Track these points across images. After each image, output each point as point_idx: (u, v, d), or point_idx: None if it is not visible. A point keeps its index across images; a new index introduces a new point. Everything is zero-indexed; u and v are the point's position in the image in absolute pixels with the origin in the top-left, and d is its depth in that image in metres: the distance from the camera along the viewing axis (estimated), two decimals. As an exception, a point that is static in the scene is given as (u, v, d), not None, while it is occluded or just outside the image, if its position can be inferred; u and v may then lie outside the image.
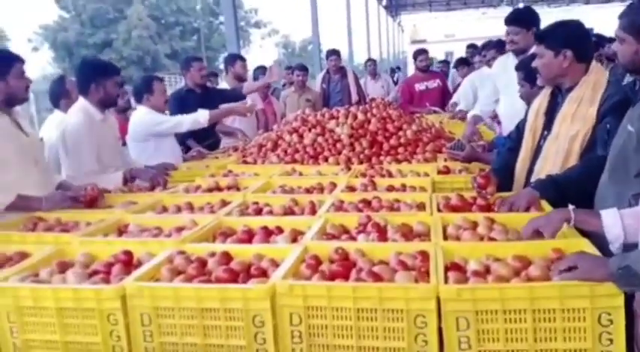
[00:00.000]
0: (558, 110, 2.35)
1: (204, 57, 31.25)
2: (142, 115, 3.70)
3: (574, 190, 2.11)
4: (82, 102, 3.02)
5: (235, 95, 4.78)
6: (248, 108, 4.07)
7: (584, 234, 1.74)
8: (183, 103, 4.25)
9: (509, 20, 3.48)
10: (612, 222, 1.64)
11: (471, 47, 7.40)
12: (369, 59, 9.36)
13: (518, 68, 3.05)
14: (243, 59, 5.31)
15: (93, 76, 2.99)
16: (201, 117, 3.75)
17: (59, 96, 3.62)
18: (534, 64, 2.39)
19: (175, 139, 3.90)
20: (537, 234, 1.74)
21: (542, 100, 2.49)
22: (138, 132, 3.68)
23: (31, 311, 1.60)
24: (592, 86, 2.26)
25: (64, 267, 1.77)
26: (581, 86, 2.28)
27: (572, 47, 2.28)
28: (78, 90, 3.08)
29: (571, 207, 1.78)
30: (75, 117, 2.96)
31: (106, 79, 2.99)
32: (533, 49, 2.46)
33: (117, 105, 3.31)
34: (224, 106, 4.24)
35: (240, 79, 5.14)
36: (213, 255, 1.79)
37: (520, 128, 2.65)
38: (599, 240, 1.67)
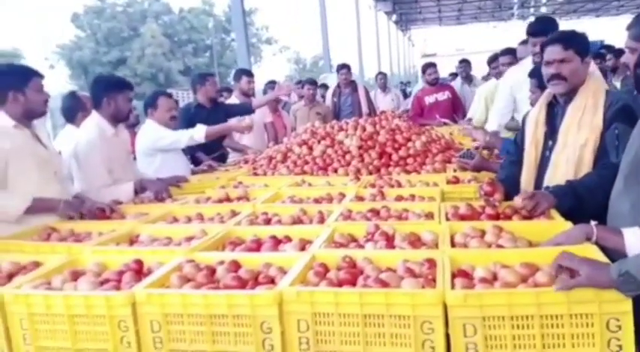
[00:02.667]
0: (559, 120, 2.35)
1: (217, 73, 31.73)
2: (147, 130, 3.76)
3: (591, 198, 2.09)
4: (94, 117, 3.07)
5: (244, 109, 4.84)
6: (246, 127, 4.04)
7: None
8: (191, 119, 4.29)
9: (536, 32, 3.36)
10: (635, 242, 1.61)
11: (463, 62, 7.41)
12: (380, 73, 9.41)
13: (532, 75, 3.04)
14: (249, 74, 5.36)
15: (105, 91, 3.04)
16: (196, 134, 3.76)
17: (75, 110, 3.69)
18: (558, 69, 2.28)
19: (183, 152, 3.94)
20: None
21: (539, 112, 2.46)
22: (143, 146, 3.74)
23: (43, 318, 1.63)
24: (592, 94, 2.26)
25: (76, 276, 1.80)
26: (581, 94, 2.28)
27: (588, 54, 2.30)
28: (93, 105, 3.14)
29: (593, 222, 1.77)
30: (87, 132, 3.02)
31: (117, 94, 3.04)
32: (555, 53, 2.29)
33: (129, 119, 3.36)
34: (223, 124, 4.24)
35: (246, 94, 5.20)
36: (222, 263, 1.81)
37: (518, 142, 2.61)
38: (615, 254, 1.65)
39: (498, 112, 4.24)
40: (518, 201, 2.12)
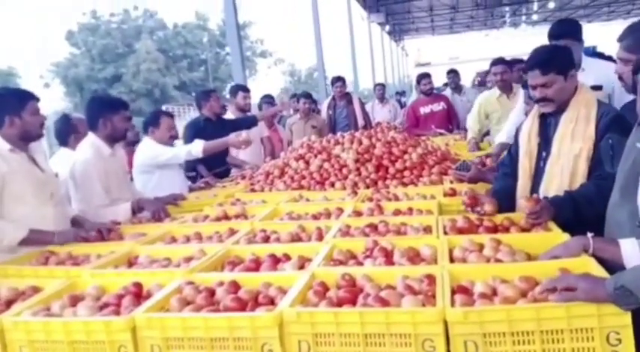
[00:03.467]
0: (552, 131, 2.36)
1: (212, 87, 31.85)
2: (144, 148, 3.79)
3: (589, 208, 2.11)
4: (91, 138, 3.08)
5: (250, 121, 4.90)
6: (243, 142, 4.00)
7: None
8: (200, 132, 4.31)
9: (556, 36, 3.17)
10: (632, 252, 1.63)
11: (452, 72, 7.42)
12: (378, 84, 9.46)
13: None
14: (245, 90, 5.41)
15: (100, 112, 3.05)
16: (194, 149, 3.78)
17: (67, 133, 3.69)
18: (542, 94, 2.29)
19: (182, 169, 3.96)
20: None
21: (531, 123, 2.47)
22: (141, 163, 3.76)
23: (43, 345, 1.62)
24: (584, 105, 2.28)
25: (75, 301, 1.79)
26: (573, 106, 2.30)
27: (572, 68, 2.31)
28: (87, 126, 3.14)
29: (590, 234, 1.77)
30: (83, 153, 3.02)
31: (113, 114, 3.05)
32: (536, 79, 2.30)
33: (126, 139, 3.37)
34: (221, 139, 4.20)
35: (242, 110, 5.24)
36: (221, 284, 1.81)
37: (512, 153, 2.61)
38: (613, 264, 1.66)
39: (512, 122, 3.98)
40: (523, 202, 2.13)
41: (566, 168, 2.28)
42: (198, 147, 3.78)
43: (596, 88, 2.94)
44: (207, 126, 4.56)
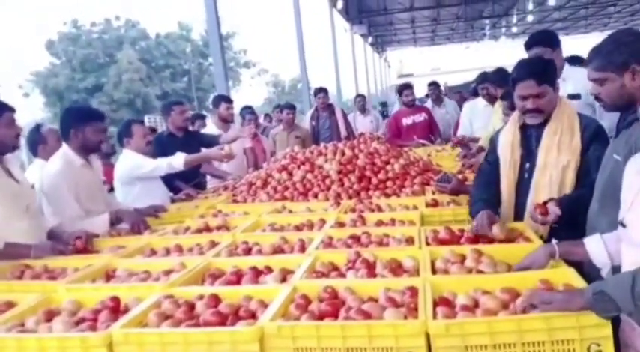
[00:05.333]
0: (534, 142, 2.39)
1: (195, 97, 31.64)
2: (125, 159, 3.73)
3: (584, 212, 2.08)
4: (63, 149, 3.02)
5: (215, 141, 4.71)
6: (225, 155, 3.90)
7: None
8: (164, 148, 4.18)
9: (534, 42, 3.20)
10: (597, 249, 1.69)
11: (432, 85, 7.46)
12: (359, 95, 9.51)
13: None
14: (228, 101, 5.35)
15: (72, 122, 2.99)
16: (175, 161, 3.70)
17: (36, 143, 3.63)
18: (535, 104, 2.30)
19: (162, 181, 3.90)
20: None
21: (513, 134, 2.47)
22: (122, 175, 3.70)
23: (16, 362, 1.57)
24: (566, 117, 2.32)
25: (50, 316, 1.75)
26: (556, 117, 2.33)
27: (556, 80, 2.36)
28: (61, 137, 3.08)
29: (554, 241, 1.80)
30: (54, 165, 2.96)
31: (85, 125, 2.98)
32: (530, 89, 2.30)
33: (100, 150, 3.30)
34: (202, 152, 4.13)
35: (225, 120, 5.18)
36: (201, 297, 1.77)
37: (491, 163, 2.60)
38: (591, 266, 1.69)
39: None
40: (496, 230, 2.14)
41: (555, 179, 2.30)
42: (179, 160, 3.71)
43: (574, 96, 2.99)
44: (170, 141, 4.39)
